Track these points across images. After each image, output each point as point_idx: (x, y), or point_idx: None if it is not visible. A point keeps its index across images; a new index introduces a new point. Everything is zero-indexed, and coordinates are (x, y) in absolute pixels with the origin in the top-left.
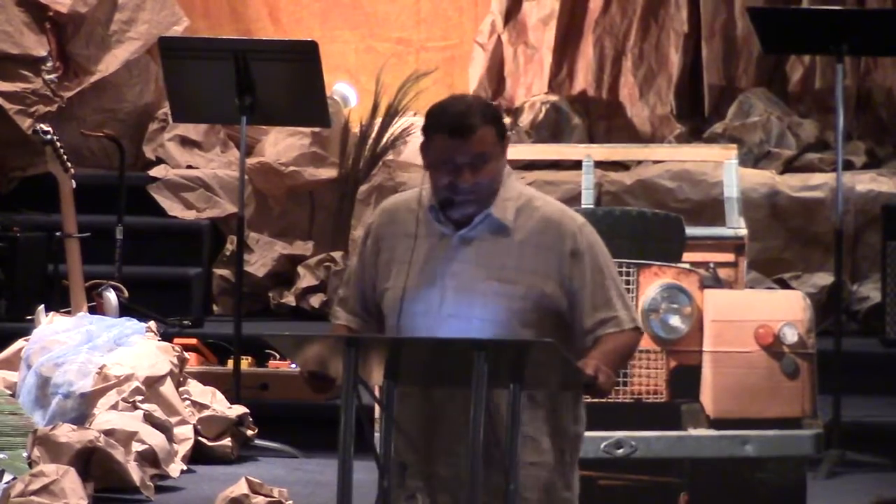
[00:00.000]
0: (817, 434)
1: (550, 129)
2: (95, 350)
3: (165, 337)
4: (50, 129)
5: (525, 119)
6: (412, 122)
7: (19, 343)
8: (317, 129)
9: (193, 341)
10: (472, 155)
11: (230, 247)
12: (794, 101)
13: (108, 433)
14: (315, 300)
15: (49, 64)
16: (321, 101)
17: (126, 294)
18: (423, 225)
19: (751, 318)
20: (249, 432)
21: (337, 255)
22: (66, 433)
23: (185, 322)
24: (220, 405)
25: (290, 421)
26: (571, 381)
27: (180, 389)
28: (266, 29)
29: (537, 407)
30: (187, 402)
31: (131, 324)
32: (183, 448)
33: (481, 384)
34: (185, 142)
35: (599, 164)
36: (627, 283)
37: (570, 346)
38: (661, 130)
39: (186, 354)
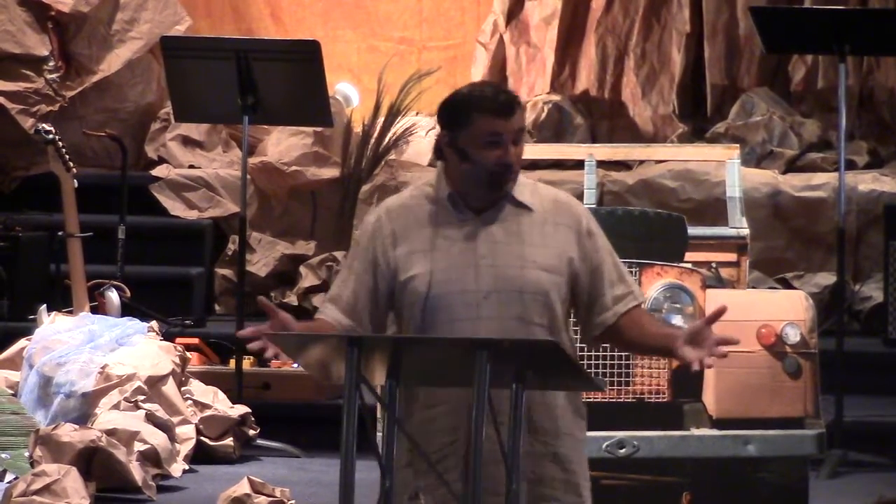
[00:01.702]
0: (820, 434)
1: (553, 128)
2: (97, 350)
3: (167, 336)
4: (52, 128)
5: (527, 119)
6: (414, 121)
7: (21, 343)
8: (319, 129)
9: (195, 341)
10: (514, 131)
11: (232, 246)
12: (797, 101)
13: (110, 433)
14: (317, 300)
15: (51, 63)
16: (323, 101)
17: (128, 294)
18: (440, 214)
19: (753, 318)
20: (251, 432)
21: (339, 254)
22: (68, 433)
23: (187, 322)
24: (222, 405)
25: (292, 420)
26: (575, 381)
27: (182, 389)
28: (268, 28)
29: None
30: (189, 402)
31: (133, 323)
32: (185, 448)
33: (483, 383)
34: (187, 141)
35: (602, 164)
36: None
37: (586, 325)
38: (663, 130)
39: (188, 354)
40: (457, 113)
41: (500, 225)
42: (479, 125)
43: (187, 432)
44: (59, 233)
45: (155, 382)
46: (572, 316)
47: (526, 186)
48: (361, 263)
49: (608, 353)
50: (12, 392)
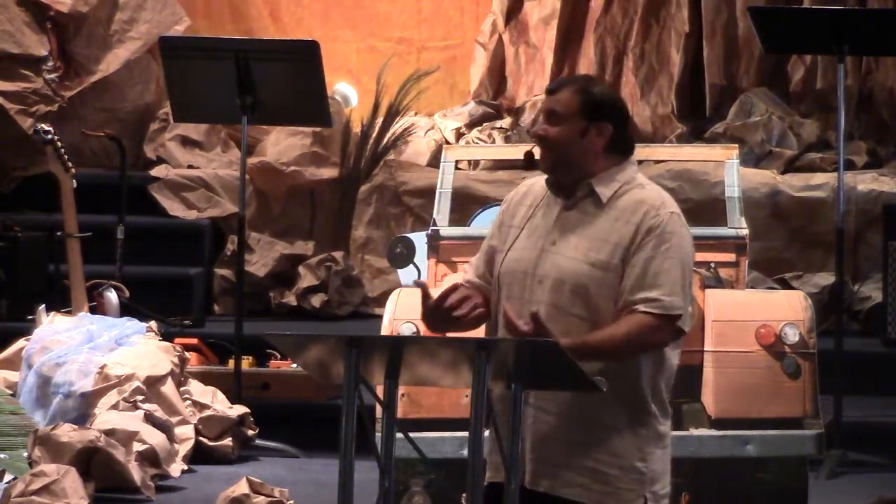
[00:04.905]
0: (819, 434)
1: None
2: (96, 350)
3: (166, 337)
4: (51, 128)
5: (526, 119)
6: (413, 121)
7: (20, 343)
8: (318, 129)
9: (194, 341)
10: (548, 109)
11: (231, 247)
12: (796, 101)
13: (109, 433)
14: (316, 300)
15: (50, 63)
16: (322, 101)
17: (127, 294)
18: (544, 197)
19: (752, 318)
20: (250, 432)
21: (338, 254)
22: (67, 433)
23: (186, 322)
24: (221, 405)
25: (291, 421)
26: (577, 382)
27: (181, 389)
28: (267, 28)
29: None
30: (188, 402)
31: (132, 324)
32: (184, 448)
33: (482, 383)
34: (186, 141)
35: None
36: None
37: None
38: (662, 130)
39: (187, 354)
40: None
41: (576, 214)
42: None
43: (186, 432)
44: (58, 233)
45: (154, 383)
46: None
47: (619, 183)
48: (492, 230)
49: None
50: (11, 392)
